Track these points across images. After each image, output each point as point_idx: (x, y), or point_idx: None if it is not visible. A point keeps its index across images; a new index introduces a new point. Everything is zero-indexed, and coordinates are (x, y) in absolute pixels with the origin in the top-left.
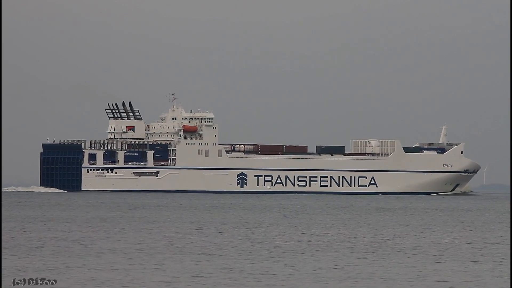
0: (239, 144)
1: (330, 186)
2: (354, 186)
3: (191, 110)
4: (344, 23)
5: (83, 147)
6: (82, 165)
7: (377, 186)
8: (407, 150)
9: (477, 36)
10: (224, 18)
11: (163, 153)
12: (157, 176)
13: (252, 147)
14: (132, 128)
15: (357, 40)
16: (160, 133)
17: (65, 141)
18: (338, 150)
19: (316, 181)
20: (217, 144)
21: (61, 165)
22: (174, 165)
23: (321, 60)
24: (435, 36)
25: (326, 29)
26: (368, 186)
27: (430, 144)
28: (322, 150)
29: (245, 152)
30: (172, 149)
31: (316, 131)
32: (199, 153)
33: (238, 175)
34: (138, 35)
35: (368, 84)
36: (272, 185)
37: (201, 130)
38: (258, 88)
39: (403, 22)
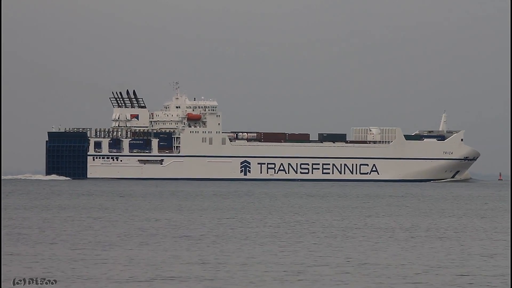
0: (242, 132)
1: (332, 173)
2: (356, 173)
3: (194, 98)
4: (345, 12)
5: (88, 135)
6: (88, 153)
7: (378, 174)
8: (407, 137)
9: (477, 24)
10: (227, 7)
11: (168, 141)
12: (161, 164)
13: (255, 135)
14: (136, 116)
15: (358, 29)
16: (164, 121)
17: (71, 129)
18: (340, 137)
19: (318, 168)
20: (220, 132)
21: (67, 153)
22: (179, 153)
23: (323, 49)
24: (435, 25)
25: (327, 18)
26: (370, 174)
27: (430, 131)
28: (324, 138)
29: (248, 140)
30: (176, 137)
31: (318, 119)
32: (203, 141)
33: (241, 163)
34: (142, 24)
35: (369, 72)
36: (275, 173)
37: (205, 118)
38: (261, 77)
39: (404, 12)
